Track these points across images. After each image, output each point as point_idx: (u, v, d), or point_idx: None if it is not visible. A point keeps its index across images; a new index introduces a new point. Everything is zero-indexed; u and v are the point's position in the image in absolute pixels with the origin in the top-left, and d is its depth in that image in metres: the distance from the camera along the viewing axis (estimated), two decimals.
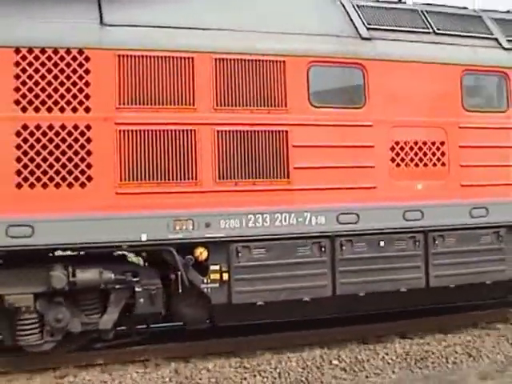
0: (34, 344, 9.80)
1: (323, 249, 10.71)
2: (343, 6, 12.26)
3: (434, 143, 11.49)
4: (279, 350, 10.78)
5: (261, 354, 10.64)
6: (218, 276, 10.20)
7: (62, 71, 9.41)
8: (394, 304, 11.68)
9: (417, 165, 11.37)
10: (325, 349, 11.14)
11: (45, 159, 9.39)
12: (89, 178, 9.48)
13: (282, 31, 10.91)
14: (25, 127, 9.25)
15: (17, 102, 9.19)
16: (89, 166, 9.49)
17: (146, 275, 10.15)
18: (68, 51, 9.51)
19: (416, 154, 11.49)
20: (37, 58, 9.37)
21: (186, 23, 10.45)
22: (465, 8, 13.11)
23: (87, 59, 9.66)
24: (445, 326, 12.88)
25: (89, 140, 9.53)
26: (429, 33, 12.06)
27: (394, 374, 10.45)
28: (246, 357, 10.52)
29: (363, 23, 11.93)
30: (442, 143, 11.55)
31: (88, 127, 9.50)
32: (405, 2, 12.64)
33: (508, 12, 13.61)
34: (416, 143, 11.46)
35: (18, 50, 9.35)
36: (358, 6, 12.31)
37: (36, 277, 9.63)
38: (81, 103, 9.47)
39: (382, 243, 11.00)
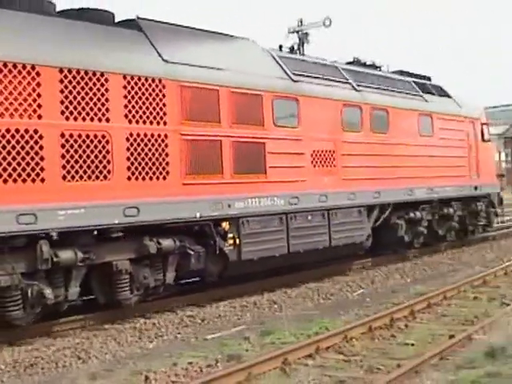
0: (126, 298, 12.59)
1: (282, 221, 16.00)
2: (273, 57, 17.81)
3: (331, 151, 17.40)
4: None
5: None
6: (232, 241, 14.79)
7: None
8: (317, 258, 17.28)
9: (323, 166, 17.38)
10: None
11: (143, 159, 12.45)
12: (167, 173, 13.03)
13: (257, 74, 15.98)
14: (131, 135, 12.18)
15: (126, 116, 12.10)
16: (167, 163, 13.12)
17: (194, 243, 13.78)
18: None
19: (323, 159, 17.53)
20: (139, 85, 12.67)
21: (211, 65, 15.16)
22: (334, 62, 19.45)
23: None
24: (54, 331, 12.59)
25: (166, 145, 13.21)
26: (326, 79, 18.09)
27: (2, 383, 9.99)
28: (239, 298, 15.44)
29: (291, 71, 17.61)
30: (334, 151, 17.54)
31: (166, 136, 13.37)
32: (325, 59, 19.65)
33: (366, 65, 20.81)
34: (323, 151, 17.58)
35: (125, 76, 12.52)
36: (282, 57, 18.13)
37: (131, 246, 12.57)
38: (161, 118, 12.98)
39: (309, 217, 16.53)
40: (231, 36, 16.95)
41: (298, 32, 36.54)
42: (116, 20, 13.92)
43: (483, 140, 24.48)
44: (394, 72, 22.53)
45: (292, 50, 19.14)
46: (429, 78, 24.57)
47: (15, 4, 11.88)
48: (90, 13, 13.46)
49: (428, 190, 21.25)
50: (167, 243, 13.44)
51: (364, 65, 21.31)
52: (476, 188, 23.98)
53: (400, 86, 21.48)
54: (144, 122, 12.88)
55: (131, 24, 14.26)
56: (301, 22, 37.16)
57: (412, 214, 20.86)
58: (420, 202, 21.19)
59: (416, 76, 23.38)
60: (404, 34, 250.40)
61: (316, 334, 11.49)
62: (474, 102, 25.29)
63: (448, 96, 24.04)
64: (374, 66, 21.71)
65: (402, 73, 22.82)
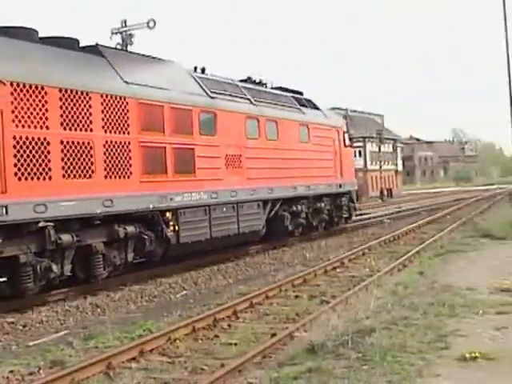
0: (101, 273, 15.49)
1: (206, 212, 19.78)
2: (194, 78, 21.51)
3: (238, 156, 21.36)
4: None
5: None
6: (173, 228, 18.53)
7: None
8: (229, 242, 21.10)
9: (233, 167, 21.41)
10: None
11: (115, 161, 15.65)
12: (131, 173, 16.25)
13: (186, 92, 19.56)
14: (106, 142, 15.40)
15: (103, 127, 15.39)
16: (130, 165, 16.23)
17: (147, 229, 17.42)
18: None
19: (233, 162, 21.35)
20: None
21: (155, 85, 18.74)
22: (231, 79, 23.38)
23: None
24: None
25: (130, 150, 16.34)
26: (234, 95, 22.10)
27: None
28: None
29: (208, 89, 21.35)
30: (240, 155, 21.74)
31: (129, 143, 16.74)
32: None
33: (255, 82, 25.08)
34: (233, 155, 21.41)
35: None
36: (200, 77, 21.77)
37: (105, 232, 15.67)
38: (126, 129, 16.14)
39: (224, 209, 20.39)
40: (163, 60, 20.31)
41: (121, 33, 34.86)
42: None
43: (345, 146, 29.43)
44: (275, 88, 26.63)
45: (203, 70, 21.80)
46: (301, 93, 28.84)
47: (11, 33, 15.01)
48: (65, 40, 16.32)
49: (306, 187, 25.53)
50: (131, 229, 17.02)
51: (254, 82, 25.40)
52: (340, 186, 28.49)
53: (284, 101, 25.99)
54: (115, 132, 16.29)
55: (94, 50, 17.15)
56: (125, 22, 35.64)
57: (294, 208, 25.05)
58: (300, 198, 25.29)
59: (292, 91, 27.68)
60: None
61: (140, 336, 11.32)
62: (336, 114, 31.65)
63: (317, 108, 28.56)
64: (261, 84, 25.97)
65: (281, 88, 27.10)
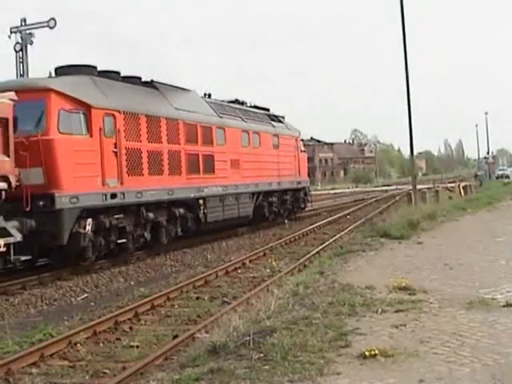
0: (164, 240, 21.38)
1: (221, 200, 24.89)
2: (208, 103, 23.63)
3: (237, 160, 25.62)
4: None
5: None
6: (203, 211, 24.18)
7: None
8: (232, 223, 24.46)
9: (234, 168, 25.35)
10: None
11: (175, 163, 21.97)
12: (180, 172, 21.23)
13: (207, 114, 23.08)
14: (169, 151, 21.05)
15: (167, 140, 21.24)
16: (181, 166, 21.30)
17: (188, 212, 22.29)
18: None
19: (234, 164, 25.28)
20: None
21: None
22: (222, 101, 27.69)
23: None
24: None
25: (180, 156, 21.61)
26: (235, 115, 26.49)
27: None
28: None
29: (217, 111, 23.58)
30: (238, 159, 25.58)
31: (177, 151, 21.51)
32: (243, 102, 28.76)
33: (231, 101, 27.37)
34: (234, 160, 24.93)
35: None
36: (211, 102, 23.97)
37: (166, 212, 20.91)
38: (178, 141, 21.82)
39: (230, 198, 25.27)
40: (187, 89, 23.52)
41: (21, 32, 33.73)
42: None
43: (301, 151, 34.54)
44: (251, 106, 30.35)
45: (209, 96, 26.48)
46: (268, 109, 32.19)
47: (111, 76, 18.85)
48: (134, 78, 21.00)
49: (277, 183, 28.83)
50: (181, 211, 20.34)
51: (241, 103, 29.75)
52: (299, 183, 32.27)
53: (261, 117, 29.36)
54: (173, 144, 20.82)
55: (151, 84, 20.80)
56: (24, 21, 33.28)
57: (270, 199, 28.06)
58: (273, 192, 28.61)
59: (262, 108, 31.49)
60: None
61: (40, 341, 9.87)
62: (294, 126, 34.57)
63: (281, 122, 32.14)
64: (239, 102, 29.53)
65: (256, 107, 30.79)
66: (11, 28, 32.60)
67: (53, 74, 17.64)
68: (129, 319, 11.15)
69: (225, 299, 12.57)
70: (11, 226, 13.94)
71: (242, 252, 19.82)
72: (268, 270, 15.77)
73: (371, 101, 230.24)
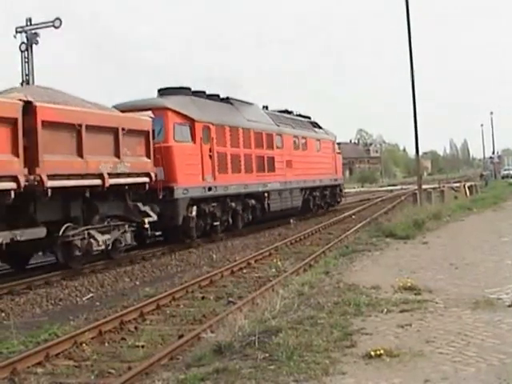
0: (239, 226, 26.62)
1: (279, 194, 30.72)
2: (268, 114, 28.88)
3: (290, 160, 31.34)
4: None
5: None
6: (267, 202, 30.29)
7: None
8: (288, 212, 28.98)
9: (289, 167, 31.74)
10: None
11: (252, 164, 28.11)
12: (251, 170, 26.80)
13: (268, 124, 28.28)
14: (245, 155, 26.90)
15: (248, 145, 27.04)
16: (252, 165, 28.28)
17: (256, 202, 28.51)
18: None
19: (290, 164, 31.65)
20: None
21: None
22: (275, 111, 33.02)
23: None
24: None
25: (250, 158, 27.22)
26: (288, 124, 31.61)
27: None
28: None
29: (275, 121, 28.74)
30: (291, 160, 31.16)
31: (249, 154, 26.74)
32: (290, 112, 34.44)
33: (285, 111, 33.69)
34: (289, 160, 31.79)
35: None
36: (270, 113, 29.33)
37: (240, 202, 26.64)
38: (249, 146, 27.03)
39: (286, 192, 31.65)
40: (251, 103, 28.18)
41: (26, 32, 33.72)
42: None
43: (337, 153, 39.34)
44: (297, 115, 35.56)
45: (267, 107, 31.64)
46: (309, 117, 37.06)
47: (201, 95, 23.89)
48: (215, 96, 25.61)
49: (319, 180, 33.86)
50: (252, 201, 25.30)
51: (290, 112, 35.48)
52: (335, 180, 37.43)
53: (306, 124, 34.58)
54: (247, 148, 26.15)
55: (227, 100, 25.38)
56: (30, 21, 33.20)
57: (314, 193, 33.43)
58: (316, 187, 33.72)
59: (304, 116, 36.39)
60: None
61: (45, 341, 9.79)
62: (331, 131, 38.97)
63: (321, 128, 36.96)
64: (288, 112, 35.05)
65: (300, 115, 35.86)
66: (17, 28, 32.86)
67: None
68: (134, 319, 11.17)
69: (230, 299, 12.55)
70: (149, 209, 18.48)
71: (248, 252, 19.66)
72: (273, 270, 15.69)
73: (376, 100, 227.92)
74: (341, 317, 8.92)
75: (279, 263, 16.33)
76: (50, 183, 14.29)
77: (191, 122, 21.30)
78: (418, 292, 10.20)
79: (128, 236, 17.52)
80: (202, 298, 12.95)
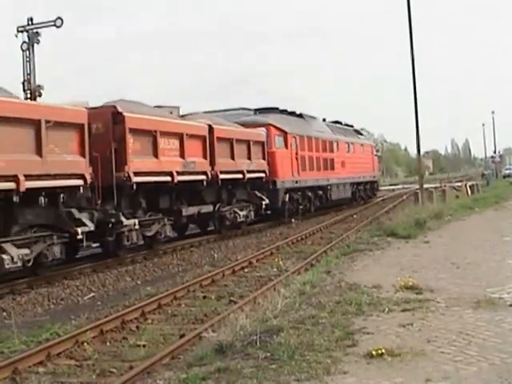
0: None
1: (337, 186, 40.48)
2: (326, 125, 36.25)
3: (343, 161, 40.10)
4: None
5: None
6: (329, 193, 39.63)
7: None
8: (341, 202, 37.75)
9: (342, 167, 39.37)
10: None
11: (306, 164, 33.35)
12: (310, 168, 33.30)
13: (327, 133, 37.52)
14: (310, 157, 32.65)
15: (315, 150, 34.89)
16: (305, 165, 33.17)
17: (321, 193, 37.23)
18: None
19: (343, 164, 41.01)
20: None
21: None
22: (331, 122, 39.39)
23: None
24: None
25: (311, 159, 34.24)
26: (341, 133, 39.11)
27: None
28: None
29: (332, 130, 36.20)
30: (344, 161, 40.82)
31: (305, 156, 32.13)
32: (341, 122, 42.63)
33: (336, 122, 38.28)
34: (343, 161, 40.97)
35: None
36: (327, 124, 36.91)
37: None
38: (311, 149, 34.38)
39: (340, 186, 40.37)
40: (314, 116, 34.86)
41: (27, 31, 33.35)
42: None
43: (375, 155, 46.21)
44: (344, 124, 41.60)
45: (324, 119, 38.82)
46: (352, 125, 43.30)
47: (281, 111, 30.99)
48: (290, 112, 32.81)
49: (363, 177, 40.44)
50: (320, 192, 32.04)
51: (340, 123, 42.00)
52: (374, 176, 43.81)
53: (352, 132, 41.22)
54: (317, 152, 35.33)
55: (299, 114, 33.45)
56: (31, 20, 32.82)
57: (359, 187, 39.68)
58: (360, 182, 40.21)
59: (347, 125, 42.43)
60: None
61: (47, 340, 9.73)
62: (370, 136, 42.03)
63: (362, 134, 44.49)
64: (339, 122, 40.84)
65: (346, 124, 41.82)
66: (18, 27, 32.56)
67: None
68: (136, 318, 11.08)
69: (232, 298, 12.49)
70: (260, 195, 25.90)
71: (249, 251, 19.54)
72: (275, 270, 15.64)
73: (378, 100, 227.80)
74: (342, 316, 8.91)
75: (281, 262, 16.33)
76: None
77: (284, 133, 28.51)
78: (420, 291, 10.15)
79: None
80: (204, 297, 12.88)
